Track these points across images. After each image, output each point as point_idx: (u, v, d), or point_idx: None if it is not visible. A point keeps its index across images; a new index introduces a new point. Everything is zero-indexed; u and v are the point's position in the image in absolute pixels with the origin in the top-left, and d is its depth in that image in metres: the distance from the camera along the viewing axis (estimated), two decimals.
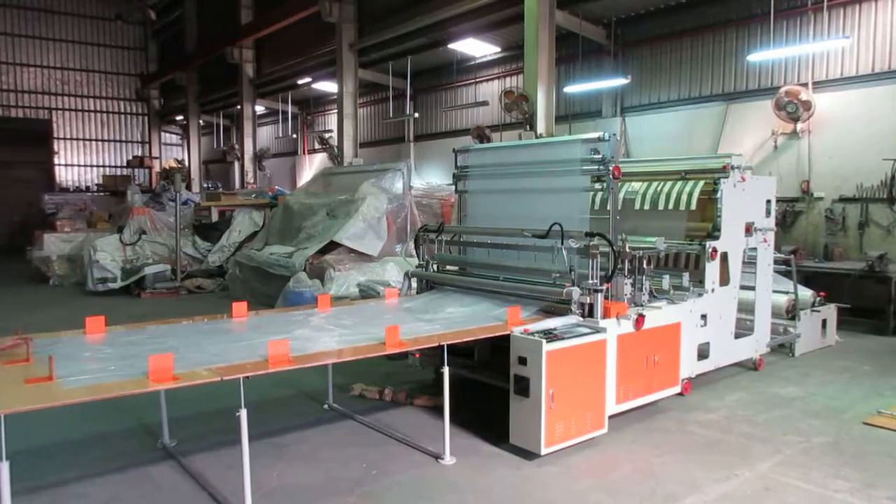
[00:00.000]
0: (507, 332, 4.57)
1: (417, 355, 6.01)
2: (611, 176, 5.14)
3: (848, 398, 5.89)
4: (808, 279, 9.06)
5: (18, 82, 27.02)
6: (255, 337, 4.35)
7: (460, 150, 6.51)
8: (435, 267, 6.38)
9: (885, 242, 9.39)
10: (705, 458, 4.56)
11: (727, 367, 6.53)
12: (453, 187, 6.73)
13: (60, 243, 14.06)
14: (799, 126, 10.31)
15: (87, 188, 27.73)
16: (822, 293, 7.99)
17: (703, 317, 6.04)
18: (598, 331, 4.74)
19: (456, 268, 6.51)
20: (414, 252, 6.68)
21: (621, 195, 6.76)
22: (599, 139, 5.22)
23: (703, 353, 6.12)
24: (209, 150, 28.43)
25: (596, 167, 5.27)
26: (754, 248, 6.70)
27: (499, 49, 15.26)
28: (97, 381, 3.30)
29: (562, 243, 5.09)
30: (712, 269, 6.12)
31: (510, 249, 5.81)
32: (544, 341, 4.32)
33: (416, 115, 17.71)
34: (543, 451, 4.37)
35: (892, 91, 9.44)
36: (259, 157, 22.95)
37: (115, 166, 29.62)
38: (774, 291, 7.38)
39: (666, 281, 5.74)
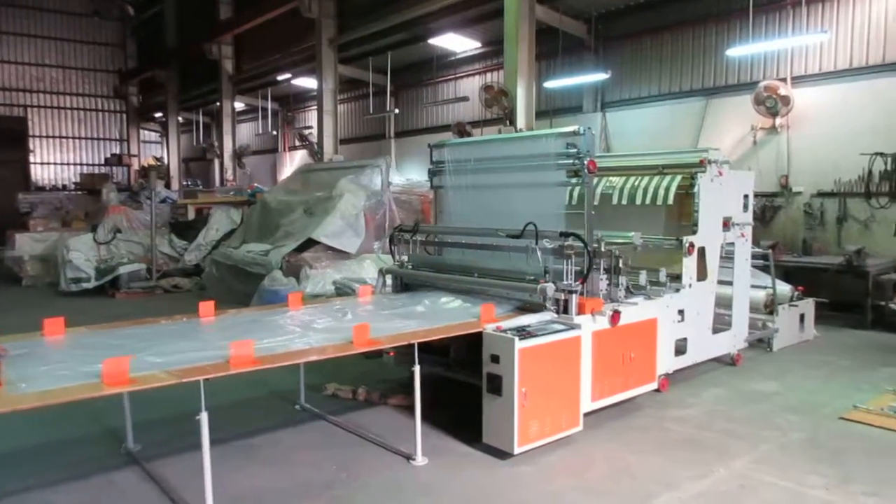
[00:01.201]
0: (480, 330, 4.48)
1: (392, 354, 5.92)
2: (586, 170, 5.06)
3: (825, 393, 5.87)
4: (787, 274, 9.06)
5: None
6: (221, 337, 4.22)
7: (435, 146, 6.41)
8: (410, 266, 6.27)
9: (862, 237, 9.43)
10: (682, 456, 4.51)
11: (705, 362, 6.49)
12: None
13: (33, 243, 13.73)
14: (778, 121, 10.32)
15: (64, 187, 27.26)
16: (800, 288, 7.99)
17: (681, 312, 6.00)
18: (572, 327, 4.67)
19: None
20: (389, 252, 6.56)
21: (599, 190, 6.72)
22: (575, 133, 5.14)
23: (680, 349, 6.08)
24: (189, 148, 28.08)
25: (571, 162, 5.19)
26: (732, 243, 6.67)
27: (479, 44, 15.17)
28: (50, 386, 3.16)
29: (536, 243, 5.00)
30: (689, 265, 6.08)
31: (485, 250, 5.73)
32: (517, 338, 4.23)
33: (397, 111, 17.59)
34: (517, 450, 4.29)
35: (869, 86, 9.47)
36: (239, 155, 22.69)
37: (93, 164, 29.19)
38: (753, 286, 7.37)
39: (643, 276, 5.68)
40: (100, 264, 11.96)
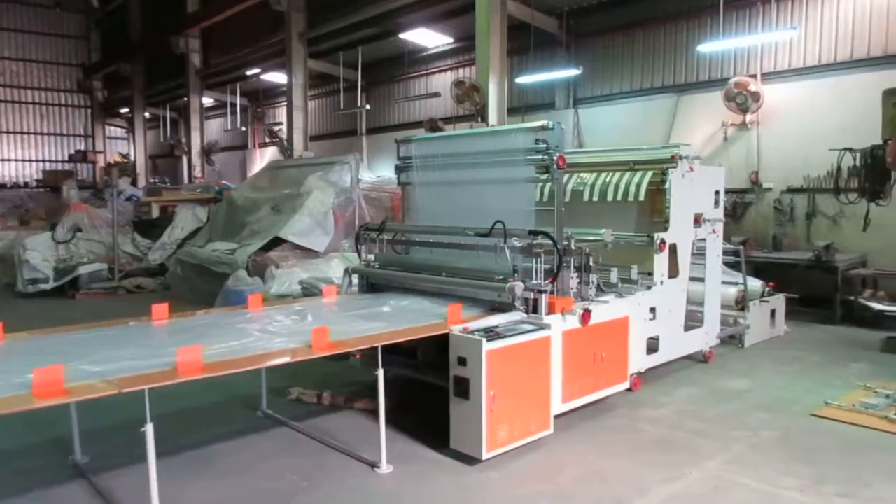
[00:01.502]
0: (447, 332, 4.32)
1: (359, 356, 5.72)
2: (556, 166, 4.92)
3: (797, 389, 5.83)
4: (757, 270, 9.07)
5: None
6: (173, 342, 3.99)
7: (402, 141, 6.23)
8: (377, 265, 6.08)
9: (831, 232, 9.47)
10: (654, 458, 4.40)
11: (677, 360, 6.42)
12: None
13: None
14: (748, 117, 10.33)
15: (26, 184, 26.46)
16: (771, 284, 7.98)
17: (652, 310, 5.91)
18: (542, 327, 4.53)
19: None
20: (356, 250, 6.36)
21: (570, 186, 6.61)
22: (543, 128, 5.00)
23: (652, 347, 5.99)
24: (156, 144, 27.45)
25: (541, 157, 5.05)
26: (703, 240, 6.61)
27: (452, 40, 15.00)
28: None
29: (504, 242, 4.86)
30: (661, 262, 5.99)
31: (453, 248, 5.57)
32: (484, 340, 4.08)
33: (368, 107, 17.35)
34: (485, 455, 4.14)
35: (837, 82, 9.52)
36: (207, 151, 22.22)
37: (57, 161, 28.39)
38: (725, 283, 7.33)
39: (614, 274, 5.57)
40: (58, 264, 11.54)
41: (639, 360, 5.73)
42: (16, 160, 27.53)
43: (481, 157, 5.54)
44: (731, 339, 7.37)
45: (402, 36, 14.71)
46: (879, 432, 4.74)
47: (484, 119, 11.21)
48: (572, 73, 12.64)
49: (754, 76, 10.26)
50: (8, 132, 27.30)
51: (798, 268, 8.90)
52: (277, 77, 18.81)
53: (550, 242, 4.76)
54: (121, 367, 3.39)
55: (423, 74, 16.57)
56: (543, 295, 4.65)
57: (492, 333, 4.25)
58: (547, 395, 4.54)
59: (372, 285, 6.13)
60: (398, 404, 5.20)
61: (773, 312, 7.81)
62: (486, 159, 5.51)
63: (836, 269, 8.52)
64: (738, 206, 10.47)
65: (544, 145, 5.01)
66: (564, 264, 4.92)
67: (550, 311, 4.67)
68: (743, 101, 10.13)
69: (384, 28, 14.62)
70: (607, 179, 6.40)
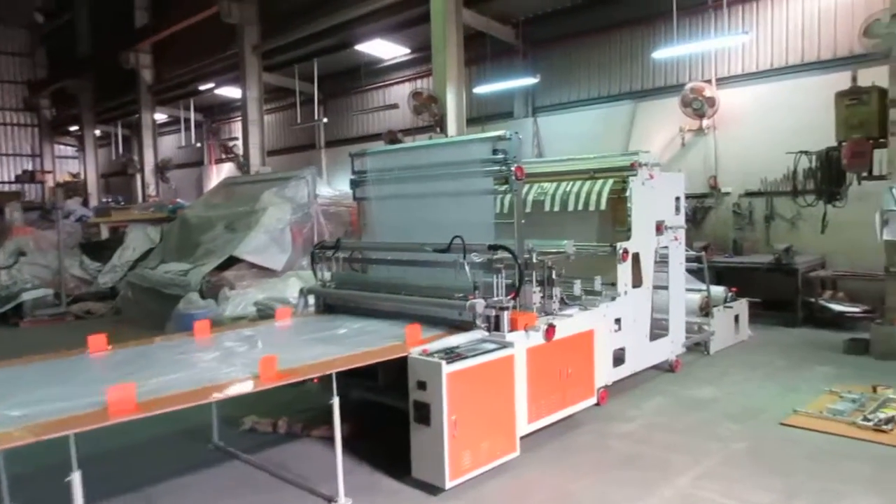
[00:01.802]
0: (405, 354, 4.10)
1: (316, 380, 5.45)
2: (514, 177, 4.76)
3: (764, 396, 5.76)
4: (719, 275, 9.07)
5: None
6: (108, 378, 3.68)
7: (356, 155, 6.01)
8: (333, 285, 5.84)
9: (790, 235, 9.55)
10: (624, 476, 4.25)
11: (645, 370, 6.31)
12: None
13: None
14: (705, 122, 10.40)
15: None
16: (734, 289, 7.97)
17: (618, 321, 5.79)
18: (504, 346, 4.35)
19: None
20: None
21: (531, 196, 6.47)
22: (500, 138, 4.84)
23: (619, 359, 5.87)
24: (108, 163, 26.62)
25: (498, 168, 4.89)
26: (666, 247, 6.53)
27: (409, 51, 14.83)
28: None
29: (464, 258, 4.67)
30: (624, 271, 5.88)
31: (411, 266, 5.37)
32: (444, 363, 3.87)
33: (325, 120, 17.06)
34: (448, 484, 3.92)
35: (790, 85, 9.63)
36: (161, 169, 21.59)
37: (3, 182, 27.29)
38: (688, 290, 7.28)
39: (577, 286, 5.43)
40: (0, 291, 10.96)
41: (605, 374, 5.59)
42: None
43: (438, 169, 5.35)
44: (697, 347, 7.31)
45: (359, 47, 14.50)
46: (848, 439, 4.67)
47: (443, 130, 11.04)
48: (530, 81, 12.60)
49: (709, 81, 10.33)
50: None
51: (759, 271, 8.93)
52: (232, 91, 18.36)
53: (511, 256, 4.59)
54: (44, 409, 3.08)
55: (382, 86, 16.38)
56: (505, 311, 4.47)
57: (452, 355, 4.05)
58: (512, 417, 4.36)
59: (329, 306, 5.88)
60: (358, 430, 4.96)
61: (736, 318, 7.79)
62: (444, 171, 5.33)
63: (796, 272, 8.56)
64: (697, 211, 10.50)
65: (502, 156, 4.84)
66: (526, 278, 4.77)
67: (513, 327, 4.49)
68: (699, 107, 10.19)
69: (340, 39, 14.37)
70: (568, 189, 6.28)
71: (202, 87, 19.22)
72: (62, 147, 29.13)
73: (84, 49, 23.58)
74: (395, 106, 15.47)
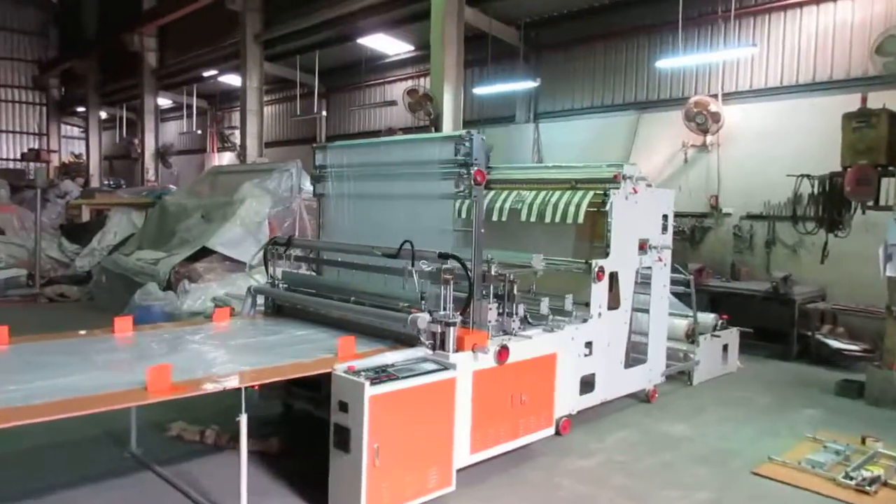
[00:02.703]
0: (329, 370, 3.68)
1: (257, 387, 5.04)
2: (473, 181, 4.33)
3: (740, 438, 5.27)
4: (713, 300, 8.60)
5: None
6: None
7: (318, 147, 5.63)
8: (283, 285, 5.43)
9: (790, 262, 9.02)
10: None
11: (618, 399, 5.84)
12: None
13: None
14: (709, 139, 9.90)
15: None
16: (724, 316, 7.47)
17: (588, 345, 5.33)
18: (446, 367, 3.90)
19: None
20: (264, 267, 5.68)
21: (507, 204, 6.02)
22: (461, 138, 4.41)
23: (588, 386, 5.41)
24: (112, 145, 26.41)
25: (458, 171, 4.46)
26: (649, 267, 6.06)
27: (412, 47, 14.45)
28: None
29: (412, 265, 4.25)
30: (599, 291, 5.42)
31: (363, 270, 4.96)
32: (367, 383, 3.44)
33: (325, 113, 16.70)
34: None
35: (799, 105, 9.11)
36: (162, 154, 21.33)
37: (9, 159, 27.16)
38: (675, 314, 6.82)
39: (545, 304, 4.96)
40: None
41: (570, 402, 5.15)
42: None
43: (398, 168, 4.94)
44: (681, 375, 6.84)
45: (361, 41, 14.13)
46: (823, 498, 4.16)
47: (438, 129, 10.65)
48: (530, 85, 12.16)
49: (715, 96, 9.84)
50: None
51: (755, 299, 8.42)
52: (234, 80, 18.05)
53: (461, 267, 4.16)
54: None
55: (383, 82, 16.00)
56: (451, 328, 4.03)
57: (381, 375, 3.61)
58: (449, 447, 3.91)
59: (278, 307, 5.47)
60: (287, 448, 4.54)
61: (725, 347, 7.29)
62: (405, 171, 4.93)
63: (793, 302, 8.04)
64: (696, 230, 10.01)
65: (462, 158, 4.41)
66: (483, 293, 4.33)
67: (459, 347, 4.05)
68: (703, 122, 9.70)
69: (342, 32, 14.01)
70: (546, 199, 5.82)
71: (206, 74, 18.96)
72: (69, 127, 28.98)
73: (91, 30, 23.41)
74: (393, 103, 15.09)
